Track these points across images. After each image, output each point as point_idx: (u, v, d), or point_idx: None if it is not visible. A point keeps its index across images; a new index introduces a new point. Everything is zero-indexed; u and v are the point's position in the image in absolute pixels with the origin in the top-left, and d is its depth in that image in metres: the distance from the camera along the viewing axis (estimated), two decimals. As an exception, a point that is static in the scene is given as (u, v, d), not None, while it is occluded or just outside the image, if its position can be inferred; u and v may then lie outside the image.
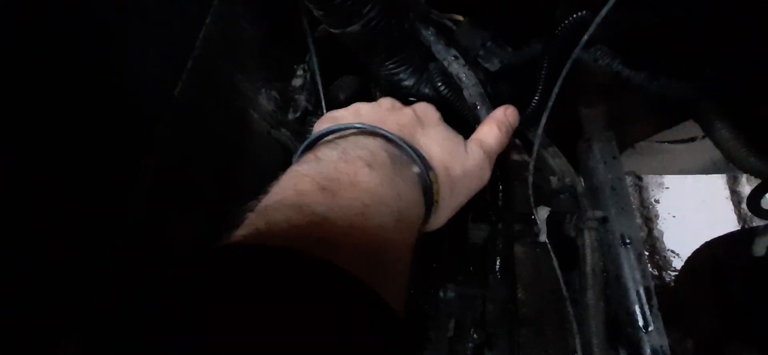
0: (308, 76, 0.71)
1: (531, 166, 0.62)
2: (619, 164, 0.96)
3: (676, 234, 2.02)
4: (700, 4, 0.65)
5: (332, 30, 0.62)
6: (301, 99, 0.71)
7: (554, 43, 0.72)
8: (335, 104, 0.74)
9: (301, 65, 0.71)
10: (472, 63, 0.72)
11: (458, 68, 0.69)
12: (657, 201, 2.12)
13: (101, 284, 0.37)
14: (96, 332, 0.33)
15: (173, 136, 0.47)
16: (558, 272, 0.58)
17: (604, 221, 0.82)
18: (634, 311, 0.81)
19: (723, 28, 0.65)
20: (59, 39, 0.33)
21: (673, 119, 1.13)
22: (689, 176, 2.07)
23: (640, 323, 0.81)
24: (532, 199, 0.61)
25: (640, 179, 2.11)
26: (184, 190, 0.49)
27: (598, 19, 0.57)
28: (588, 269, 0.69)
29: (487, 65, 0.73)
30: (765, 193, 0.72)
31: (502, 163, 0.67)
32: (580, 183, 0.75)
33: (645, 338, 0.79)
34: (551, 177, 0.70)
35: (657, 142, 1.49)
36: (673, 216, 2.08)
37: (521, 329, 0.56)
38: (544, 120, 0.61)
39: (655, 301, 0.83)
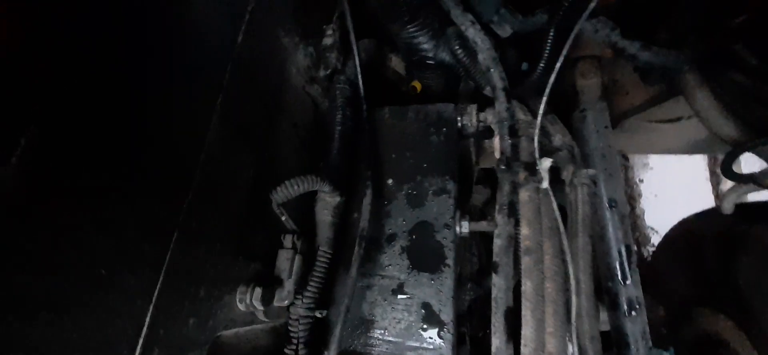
0: (337, 36, 0.77)
1: (537, 122, 0.71)
2: (610, 133, 1.06)
3: (657, 212, 2.17)
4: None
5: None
6: (331, 57, 0.77)
7: (560, 13, 0.80)
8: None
9: (330, 26, 0.77)
10: (485, 29, 0.80)
11: (474, 33, 0.77)
12: (641, 181, 2.26)
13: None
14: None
15: (234, 83, 0.54)
16: (557, 212, 0.68)
17: (593, 183, 0.92)
18: (615, 266, 0.93)
19: (707, 4, 0.74)
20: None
21: (661, 96, 1.22)
22: (673, 157, 2.20)
23: (619, 276, 0.93)
24: (536, 152, 0.71)
25: (626, 159, 2.24)
26: (241, 131, 0.57)
27: None
28: (579, 217, 0.79)
29: (499, 31, 0.81)
30: (736, 157, 0.83)
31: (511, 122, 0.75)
32: (576, 145, 0.85)
33: (623, 289, 0.91)
34: (553, 137, 0.79)
35: (647, 121, 1.59)
36: (656, 195, 2.23)
37: (524, 257, 0.66)
38: (551, 80, 0.69)
39: (634, 258, 0.95)
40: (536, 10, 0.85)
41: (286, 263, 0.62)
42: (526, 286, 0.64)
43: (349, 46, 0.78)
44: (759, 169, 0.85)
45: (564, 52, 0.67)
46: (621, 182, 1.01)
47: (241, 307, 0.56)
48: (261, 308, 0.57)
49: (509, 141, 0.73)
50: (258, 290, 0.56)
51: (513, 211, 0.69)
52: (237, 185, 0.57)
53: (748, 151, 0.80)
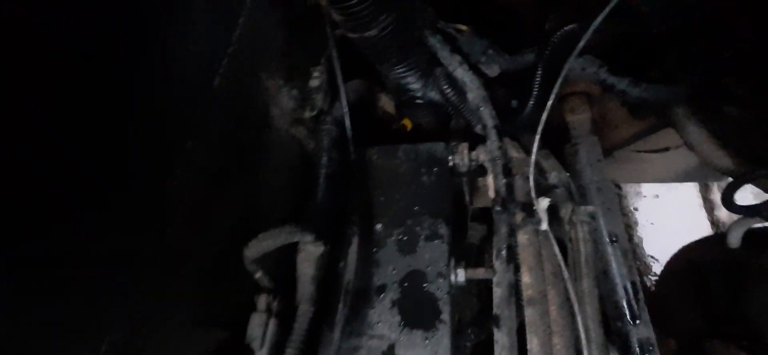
0: (324, 78, 0.75)
1: (532, 161, 0.68)
2: (604, 166, 1.03)
3: (655, 240, 2.14)
4: (674, 19, 0.74)
5: (350, 34, 0.67)
6: (318, 98, 0.75)
7: (547, 53, 0.80)
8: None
9: (317, 68, 0.76)
10: (473, 69, 0.79)
11: (463, 73, 0.76)
12: (636, 209, 2.25)
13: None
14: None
15: (207, 127, 0.50)
16: (559, 256, 0.64)
17: (591, 219, 0.88)
18: (622, 305, 0.87)
19: (695, 40, 0.74)
20: (117, 43, 0.36)
21: (651, 129, 1.23)
22: (665, 185, 2.21)
23: (628, 316, 0.87)
24: (533, 191, 0.67)
25: (619, 187, 2.24)
26: (215, 179, 0.52)
27: (589, 31, 0.64)
28: (582, 259, 0.74)
29: (487, 71, 0.80)
30: (737, 189, 0.81)
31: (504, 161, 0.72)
32: (572, 181, 0.82)
33: (633, 330, 0.85)
34: (549, 173, 0.76)
35: (634, 151, 1.59)
36: (652, 223, 2.21)
37: (527, 308, 0.60)
38: (544, 117, 0.67)
39: (641, 295, 0.90)
40: (524, 50, 0.85)
41: (259, 329, 0.55)
42: (533, 343, 0.58)
43: (336, 86, 0.76)
44: (759, 201, 0.83)
45: (555, 91, 0.66)
46: (619, 215, 0.98)
47: None
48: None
49: (504, 180, 0.70)
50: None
51: (512, 256, 0.65)
52: (208, 239, 0.51)
53: (748, 182, 0.78)
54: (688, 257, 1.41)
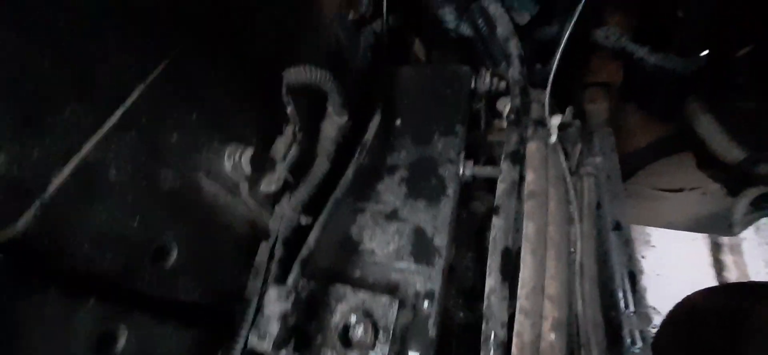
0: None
1: (549, 80, 0.73)
2: (616, 157, 1.07)
3: (659, 291, 2.07)
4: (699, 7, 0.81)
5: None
6: (363, 5, 0.83)
7: (571, 22, 0.88)
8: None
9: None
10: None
11: (496, 8, 0.83)
12: (643, 257, 2.20)
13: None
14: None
15: None
16: (564, 163, 0.66)
17: (598, 206, 0.91)
18: (618, 295, 0.87)
19: (714, 21, 0.80)
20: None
21: (666, 142, 1.26)
22: (675, 236, 2.17)
23: (622, 304, 0.86)
24: (547, 108, 0.71)
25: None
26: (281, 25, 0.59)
27: None
28: (585, 204, 0.77)
29: (517, 18, 0.87)
30: (746, 170, 0.81)
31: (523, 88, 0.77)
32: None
33: (626, 320, 0.84)
34: (566, 109, 0.80)
35: (649, 188, 1.61)
36: (657, 274, 2.15)
37: (528, 201, 0.62)
38: (560, 51, 0.73)
39: (639, 286, 0.90)
40: (552, 21, 0.93)
41: (283, 148, 0.60)
42: (528, 227, 0.60)
43: (380, 5, 0.85)
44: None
45: (572, 23, 0.71)
46: (625, 205, 0.99)
47: (227, 164, 0.53)
48: (248, 172, 0.53)
49: (520, 99, 0.74)
50: (249, 151, 0.53)
51: (519, 159, 0.68)
52: (256, 40, 0.57)
53: (757, 165, 0.80)
54: (690, 306, 1.39)
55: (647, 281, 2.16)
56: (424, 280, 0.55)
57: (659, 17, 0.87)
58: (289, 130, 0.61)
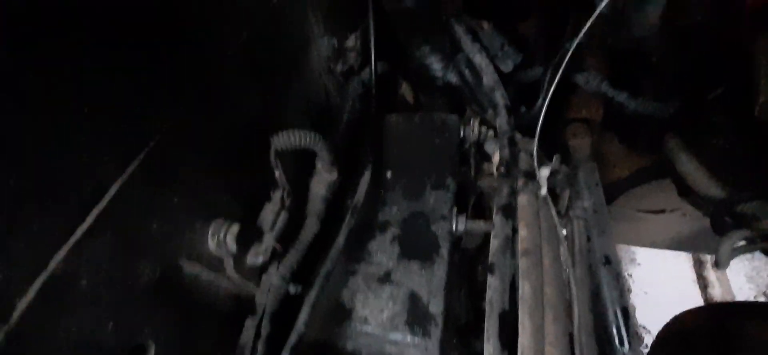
0: (359, 43, 0.85)
1: (537, 132, 0.74)
2: (601, 191, 1.09)
3: (647, 310, 2.11)
4: (669, 50, 0.85)
5: (388, 4, 0.78)
6: (351, 56, 0.84)
7: (553, 65, 0.90)
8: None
9: (354, 34, 0.85)
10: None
11: (481, 59, 0.85)
12: (630, 276, 2.24)
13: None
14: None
15: (265, 31, 0.58)
16: (555, 217, 0.67)
17: (588, 239, 0.92)
18: (611, 329, 0.87)
19: (687, 66, 0.84)
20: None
21: (646, 171, 1.30)
22: (660, 254, 2.23)
23: (616, 341, 0.86)
24: (535, 159, 0.72)
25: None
26: (255, 68, 0.59)
27: (576, 40, 0.74)
28: (576, 248, 0.77)
29: (501, 66, 0.89)
30: (725, 211, 0.85)
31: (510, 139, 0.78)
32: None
33: None
34: (552, 161, 0.82)
35: (632, 210, 1.65)
36: (645, 293, 2.19)
37: (522, 259, 0.62)
38: (547, 99, 0.74)
39: (631, 321, 0.90)
40: (533, 64, 0.96)
41: (271, 216, 0.58)
42: (524, 288, 0.59)
43: (368, 53, 0.85)
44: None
45: (554, 84, 0.73)
46: (613, 239, 1.01)
47: (211, 243, 0.50)
48: (233, 250, 0.51)
49: (509, 150, 0.75)
50: (235, 227, 0.51)
51: (510, 213, 0.68)
52: (241, 109, 0.56)
53: (735, 206, 0.82)
54: (679, 326, 1.41)
55: (635, 299, 2.19)
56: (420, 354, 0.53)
57: (634, 63, 0.91)
58: (277, 197, 0.59)
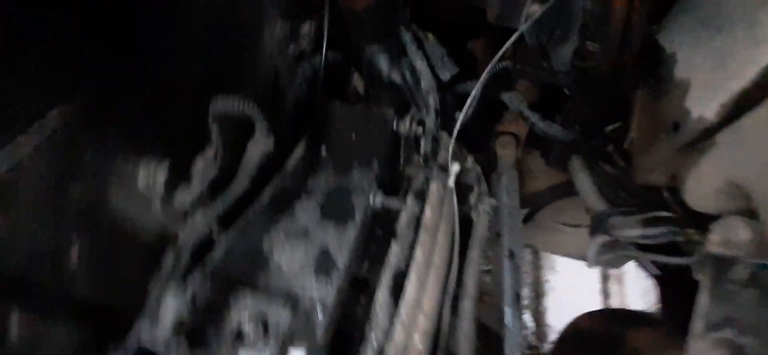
0: (313, 32, 0.93)
1: (453, 134, 0.87)
2: (518, 197, 1.25)
3: (558, 311, 2.40)
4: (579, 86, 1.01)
5: (345, 3, 0.87)
6: (303, 42, 0.92)
7: (483, 83, 1.05)
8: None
9: (310, 21, 0.94)
10: (430, 68, 1.01)
11: (421, 65, 0.97)
12: (547, 281, 2.53)
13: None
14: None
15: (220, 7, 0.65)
16: (455, 207, 0.80)
17: (497, 235, 1.07)
18: (504, 310, 1.02)
19: (592, 103, 1.01)
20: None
21: (562, 189, 1.49)
22: (575, 264, 2.53)
23: (507, 319, 1.02)
24: (449, 155, 0.85)
25: (538, 256, 2.55)
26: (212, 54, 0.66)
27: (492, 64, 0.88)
28: (477, 236, 0.91)
29: (440, 74, 1.02)
30: (602, 222, 1.04)
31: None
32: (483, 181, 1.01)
33: (507, 332, 0.99)
34: (468, 161, 0.96)
35: (553, 222, 1.86)
36: (560, 297, 2.48)
37: (421, 232, 0.74)
38: (466, 107, 0.88)
39: (521, 303, 1.06)
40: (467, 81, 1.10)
41: (201, 166, 0.65)
42: (418, 253, 0.71)
43: (320, 41, 0.94)
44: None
45: (470, 101, 0.87)
46: (522, 238, 1.17)
47: (140, 182, 0.57)
48: (160, 190, 0.58)
49: (431, 147, 0.88)
50: (164, 168, 0.58)
51: (421, 196, 0.80)
52: (187, 72, 0.63)
53: (608, 219, 1.01)
54: (576, 328, 1.63)
55: (551, 302, 2.48)
56: (320, 292, 0.63)
57: (552, 92, 1.07)
58: (210, 151, 0.67)
